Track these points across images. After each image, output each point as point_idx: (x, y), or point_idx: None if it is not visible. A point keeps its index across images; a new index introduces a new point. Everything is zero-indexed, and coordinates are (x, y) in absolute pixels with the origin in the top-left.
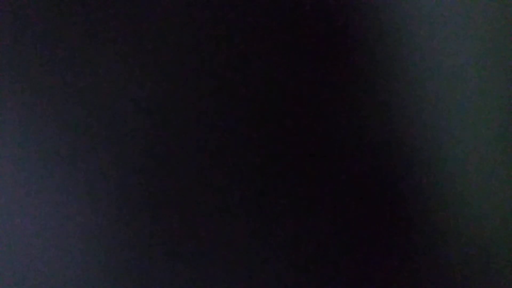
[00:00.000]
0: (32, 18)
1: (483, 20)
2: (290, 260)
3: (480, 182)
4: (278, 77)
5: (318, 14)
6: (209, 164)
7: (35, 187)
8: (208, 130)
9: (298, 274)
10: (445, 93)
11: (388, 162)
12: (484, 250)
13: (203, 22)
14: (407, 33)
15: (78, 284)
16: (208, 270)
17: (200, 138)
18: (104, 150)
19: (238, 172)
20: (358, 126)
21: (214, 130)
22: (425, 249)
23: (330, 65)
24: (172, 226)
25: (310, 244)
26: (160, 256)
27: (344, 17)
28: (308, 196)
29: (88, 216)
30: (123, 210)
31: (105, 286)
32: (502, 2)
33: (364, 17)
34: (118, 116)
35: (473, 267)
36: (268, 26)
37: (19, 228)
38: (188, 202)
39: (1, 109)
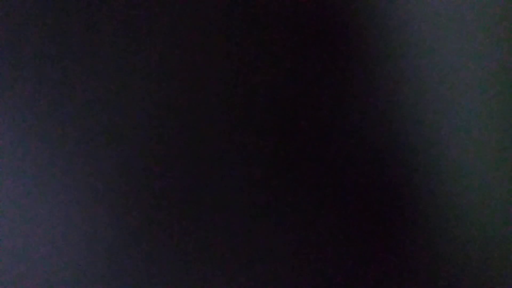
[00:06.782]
0: (32, 18)
1: (483, 20)
2: (289, 261)
3: (480, 182)
4: (278, 78)
5: (318, 14)
6: (210, 165)
7: (36, 188)
8: (209, 131)
9: (299, 274)
10: (445, 93)
11: (388, 162)
12: (484, 250)
13: (204, 22)
14: (407, 33)
15: (79, 284)
16: (209, 270)
17: (201, 139)
18: (106, 150)
19: (238, 172)
20: (359, 126)
21: (215, 130)
22: (425, 249)
23: (330, 66)
24: (174, 226)
25: (310, 245)
26: (161, 256)
27: (344, 17)
28: (308, 197)
29: (89, 217)
30: (124, 211)
31: (106, 286)
32: (502, 2)
33: (364, 17)
34: (119, 116)
35: (473, 267)
36: (268, 27)
37: (20, 228)
38: (189, 202)
39: (1, 109)
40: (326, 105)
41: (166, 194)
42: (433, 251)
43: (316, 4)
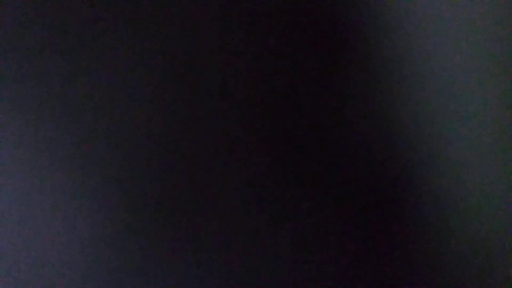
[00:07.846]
0: (33, 18)
1: (483, 20)
2: (289, 260)
3: (480, 182)
4: (279, 78)
5: (318, 13)
6: (210, 165)
7: (37, 188)
8: (208, 131)
9: (298, 274)
10: (445, 93)
11: (388, 162)
12: (484, 249)
13: (204, 22)
14: (406, 33)
15: (79, 284)
16: (208, 270)
17: (201, 139)
18: (106, 150)
19: (238, 172)
20: (359, 126)
21: (215, 130)
22: (424, 249)
23: (329, 66)
24: (175, 226)
25: (309, 244)
26: (162, 256)
27: (343, 16)
28: (308, 197)
29: (89, 217)
30: (125, 210)
31: (106, 286)
32: (502, 2)
33: (364, 17)
34: (119, 116)
35: (473, 267)
36: (268, 27)
37: (20, 228)
38: (190, 202)
39: (2, 109)
40: (326, 105)
41: (166, 194)
42: (433, 251)
43: (317, 5)
